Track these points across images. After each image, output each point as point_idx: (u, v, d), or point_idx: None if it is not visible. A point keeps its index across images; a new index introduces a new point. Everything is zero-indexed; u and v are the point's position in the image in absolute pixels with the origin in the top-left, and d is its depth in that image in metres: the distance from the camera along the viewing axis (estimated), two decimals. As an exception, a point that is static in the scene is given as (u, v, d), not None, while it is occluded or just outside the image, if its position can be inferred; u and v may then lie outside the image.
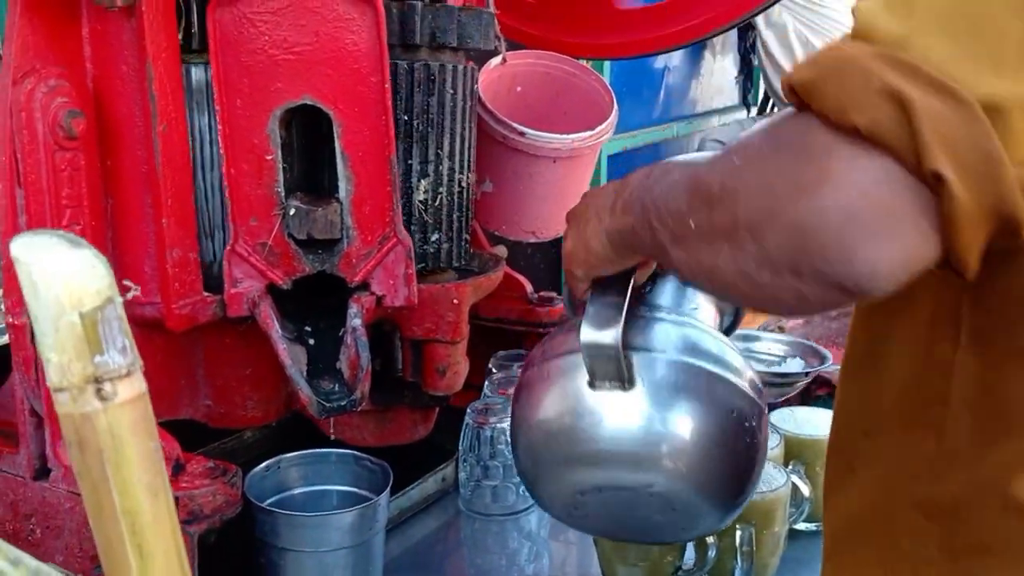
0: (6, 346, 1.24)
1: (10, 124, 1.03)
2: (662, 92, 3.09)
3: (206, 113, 1.14)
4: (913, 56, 0.52)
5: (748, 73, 3.66)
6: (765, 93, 3.65)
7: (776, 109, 3.48)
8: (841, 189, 0.53)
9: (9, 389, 1.19)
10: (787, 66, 3.19)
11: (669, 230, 0.66)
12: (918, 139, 0.50)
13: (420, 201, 1.23)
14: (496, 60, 1.57)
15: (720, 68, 3.46)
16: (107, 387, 0.43)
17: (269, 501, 1.14)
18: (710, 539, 1.11)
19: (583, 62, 1.71)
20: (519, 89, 1.64)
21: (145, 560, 0.45)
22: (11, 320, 1.07)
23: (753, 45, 3.34)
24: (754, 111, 3.73)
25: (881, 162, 0.52)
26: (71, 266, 0.42)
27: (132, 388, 0.45)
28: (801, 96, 0.56)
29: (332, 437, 1.27)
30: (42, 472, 1.11)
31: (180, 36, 1.10)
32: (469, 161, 1.30)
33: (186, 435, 1.15)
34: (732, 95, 3.61)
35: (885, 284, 0.55)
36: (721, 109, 3.53)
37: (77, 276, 0.42)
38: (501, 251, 1.68)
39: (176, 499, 1.01)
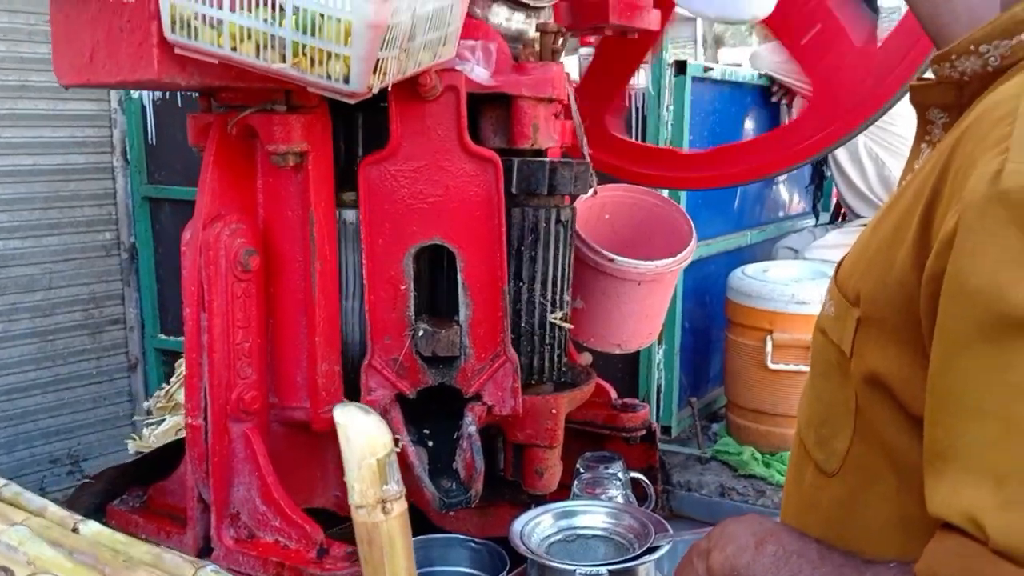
0: (177, 441, 1.47)
1: (199, 260, 1.26)
2: (737, 201, 3.27)
3: (352, 250, 1.36)
4: None
5: (819, 183, 3.82)
6: (836, 203, 3.81)
7: (846, 218, 3.62)
8: None
9: (179, 479, 1.40)
10: (856, 180, 3.35)
11: None
12: None
13: (526, 323, 1.43)
14: (589, 192, 1.77)
15: (792, 177, 3.63)
16: (388, 505, 0.63)
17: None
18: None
19: (663, 192, 1.91)
20: (607, 216, 1.84)
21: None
22: (190, 421, 1.29)
23: (826, 157, 3.50)
24: (825, 217, 3.88)
25: None
26: (369, 427, 0.62)
27: (401, 506, 0.65)
28: None
29: (451, 528, 1.44)
30: (206, 551, 1.32)
31: (336, 187, 1.33)
32: (567, 287, 1.50)
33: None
34: (804, 203, 3.77)
35: None
36: (793, 216, 3.68)
37: (373, 433, 0.62)
38: (587, 358, 1.86)
39: (321, 579, 1.20)
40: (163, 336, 3.53)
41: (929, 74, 0.81)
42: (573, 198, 1.51)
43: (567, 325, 1.45)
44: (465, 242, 1.33)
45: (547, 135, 1.39)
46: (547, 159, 1.39)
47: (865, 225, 3.37)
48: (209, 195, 1.27)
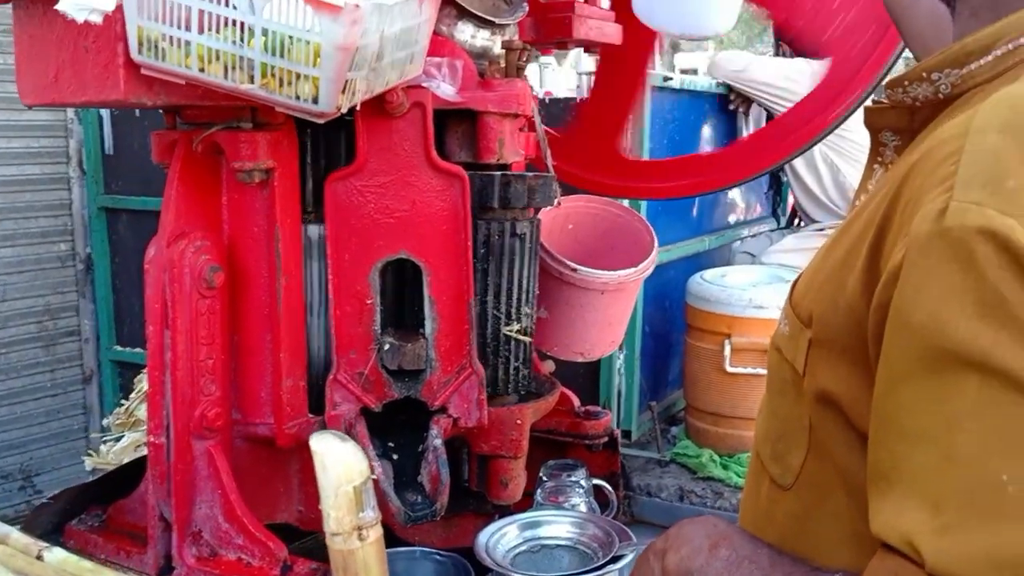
0: (137, 459, 1.45)
1: (163, 278, 1.25)
2: (695, 207, 3.31)
3: (317, 264, 1.36)
4: None
5: (777, 189, 3.89)
6: (793, 208, 3.88)
7: (802, 223, 3.69)
8: None
9: (139, 498, 1.39)
10: (812, 185, 3.42)
11: None
12: None
13: (491, 336, 1.44)
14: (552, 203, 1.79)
15: (750, 184, 3.68)
16: (364, 532, 0.64)
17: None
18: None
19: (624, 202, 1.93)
20: (571, 227, 1.86)
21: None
22: (152, 439, 1.28)
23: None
24: (782, 222, 3.95)
25: None
26: (345, 455, 0.62)
27: (377, 532, 0.65)
28: None
29: (415, 540, 1.45)
30: (167, 570, 1.31)
31: (301, 202, 1.33)
32: (532, 299, 1.51)
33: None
34: (761, 209, 3.84)
35: None
36: (751, 221, 3.74)
37: (349, 461, 0.63)
38: (549, 366, 1.88)
39: (286, 596, 1.20)
40: (119, 348, 3.47)
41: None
42: (536, 210, 1.52)
43: (524, 338, 1.46)
44: (431, 256, 1.34)
45: (512, 149, 1.40)
46: (498, 173, 1.40)
47: (821, 230, 3.47)
48: (174, 212, 1.27)
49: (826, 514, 0.79)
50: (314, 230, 1.36)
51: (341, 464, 0.63)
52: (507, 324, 1.43)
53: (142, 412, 1.67)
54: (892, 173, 0.76)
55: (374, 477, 0.66)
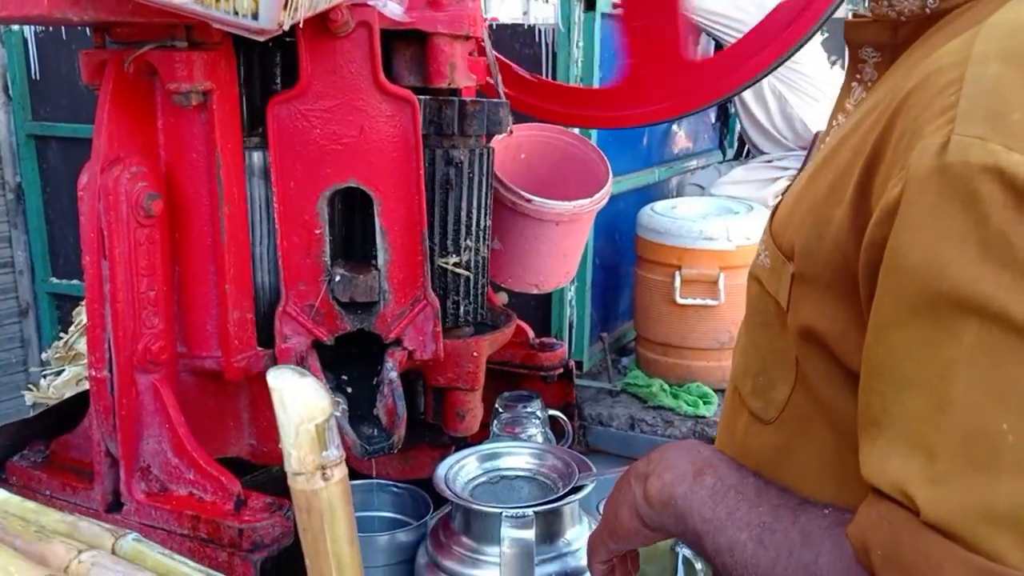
0: (80, 394, 1.40)
1: (97, 206, 1.19)
2: (645, 138, 3.29)
3: (263, 193, 1.31)
4: (1017, 570, 0.54)
5: (725, 120, 3.88)
6: (740, 138, 3.88)
7: (750, 154, 3.69)
8: None
9: (83, 432, 1.35)
10: (760, 117, 3.41)
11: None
12: None
13: (445, 266, 1.40)
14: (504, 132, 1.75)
15: (698, 115, 3.66)
16: (328, 472, 0.61)
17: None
18: (699, 565, 1.28)
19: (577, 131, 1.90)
20: (523, 156, 1.82)
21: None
22: (94, 373, 1.23)
23: (730, 94, 3.55)
24: (730, 154, 3.95)
25: None
26: (306, 391, 0.59)
27: (341, 471, 0.62)
28: None
29: (372, 473, 1.43)
30: (115, 505, 1.27)
31: (242, 126, 1.27)
32: (487, 229, 1.48)
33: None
34: (710, 140, 3.83)
35: None
36: (699, 152, 3.73)
37: (310, 397, 0.59)
38: (503, 298, 1.86)
39: (240, 531, 1.18)
40: (55, 280, 3.37)
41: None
42: (489, 138, 1.48)
43: (463, 272, 1.42)
44: (382, 185, 1.30)
45: (464, 74, 1.35)
46: (457, 98, 1.36)
47: (770, 162, 3.46)
48: (106, 137, 1.20)
49: (809, 447, 0.77)
50: (258, 157, 1.30)
51: (301, 401, 0.60)
52: (443, 256, 1.39)
53: (82, 345, 1.61)
54: (878, 96, 0.73)
55: (336, 414, 0.63)
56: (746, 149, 3.83)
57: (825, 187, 0.72)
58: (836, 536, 0.65)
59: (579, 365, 2.80)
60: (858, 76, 0.82)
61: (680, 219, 2.79)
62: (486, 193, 1.44)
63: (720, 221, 2.76)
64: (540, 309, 2.68)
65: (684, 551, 1.30)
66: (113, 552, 0.76)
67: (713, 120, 3.83)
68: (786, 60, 1.89)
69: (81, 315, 1.84)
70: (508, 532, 1.10)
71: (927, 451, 0.58)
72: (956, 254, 0.57)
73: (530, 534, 1.10)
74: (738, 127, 3.83)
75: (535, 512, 1.13)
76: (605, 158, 1.79)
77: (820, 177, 0.74)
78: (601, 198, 1.70)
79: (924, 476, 0.58)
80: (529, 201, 1.65)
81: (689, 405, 2.77)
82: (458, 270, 1.40)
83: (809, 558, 0.66)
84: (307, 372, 0.62)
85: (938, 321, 0.58)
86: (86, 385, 1.28)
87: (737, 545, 0.71)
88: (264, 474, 1.67)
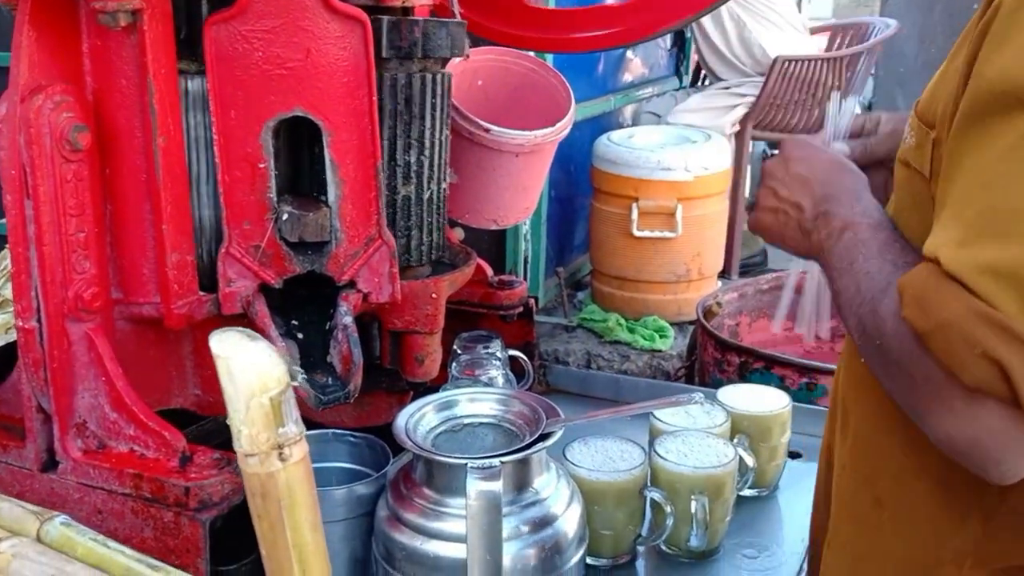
0: (7, 345, 1.30)
1: (18, 139, 1.07)
2: (600, 65, 3.18)
3: (201, 124, 1.19)
4: (1006, 315, 0.66)
5: (681, 45, 3.78)
6: (697, 64, 3.79)
7: (707, 81, 3.61)
8: (960, 423, 0.72)
9: (12, 386, 1.25)
10: (718, 42, 3.32)
11: (854, 313, 0.84)
12: (1019, 395, 0.67)
13: (402, 202, 1.32)
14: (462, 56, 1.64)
15: (654, 41, 3.56)
16: (286, 451, 0.53)
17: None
18: (667, 508, 1.25)
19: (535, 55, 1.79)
20: (480, 83, 1.72)
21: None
22: (21, 324, 1.13)
23: (686, 19, 3.44)
24: (687, 81, 3.86)
25: (989, 408, 0.70)
26: (257, 358, 0.51)
27: (301, 449, 0.54)
28: (920, 339, 0.72)
29: (325, 421, 1.36)
30: (50, 464, 1.18)
31: (177, 50, 1.15)
32: (444, 163, 1.39)
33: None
34: (666, 67, 3.73)
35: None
36: (655, 79, 3.64)
37: (263, 366, 0.51)
38: (459, 234, 1.78)
39: (187, 489, 1.11)
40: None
41: None
42: (446, 62, 1.38)
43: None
44: (331, 114, 1.19)
45: (418, -8, 1.25)
46: (420, 18, 1.25)
47: (727, 88, 3.39)
48: (26, 62, 1.07)
49: None
50: (196, 84, 1.19)
51: (252, 370, 0.51)
52: (405, 186, 1.30)
53: (8, 292, 1.50)
54: None
55: (295, 384, 0.55)
56: (703, 75, 3.75)
57: (953, 55, 0.81)
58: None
59: (535, 301, 2.75)
60: None
61: (637, 149, 2.71)
62: (444, 123, 1.34)
63: (678, 151, 2.70)
64: (495, 244, 2.60)
65: (653, 494, 1.27)
66: (38, 539, 0.67)
67: (669, 46, 3.74)
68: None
69: (5, 259, 1.71)
70: (474, 484, 1.04)
71: (963, 223, 0.70)
72: None
73: (497, 485, 1.04)
74: (694, 53, 3.74)
75: (502, 462, 1.08)
76: (567, 84, 1.70)
77: (957, 51, 0.81)
78: (563, 127, 1.62)
79: (954, 241, 0.70)
80: (487, 131, 1.56)
81: (645, 339, 2.75)
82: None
83: (878, 302, 0.79)
84: (258, 335, 0.54)
85: (1005, 116, 0.68)
86: (14, 335, 1.18)
87: (846, 290, 0.85)
88: (211, 423, 1.58)
